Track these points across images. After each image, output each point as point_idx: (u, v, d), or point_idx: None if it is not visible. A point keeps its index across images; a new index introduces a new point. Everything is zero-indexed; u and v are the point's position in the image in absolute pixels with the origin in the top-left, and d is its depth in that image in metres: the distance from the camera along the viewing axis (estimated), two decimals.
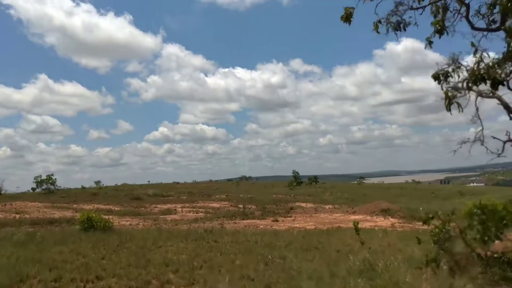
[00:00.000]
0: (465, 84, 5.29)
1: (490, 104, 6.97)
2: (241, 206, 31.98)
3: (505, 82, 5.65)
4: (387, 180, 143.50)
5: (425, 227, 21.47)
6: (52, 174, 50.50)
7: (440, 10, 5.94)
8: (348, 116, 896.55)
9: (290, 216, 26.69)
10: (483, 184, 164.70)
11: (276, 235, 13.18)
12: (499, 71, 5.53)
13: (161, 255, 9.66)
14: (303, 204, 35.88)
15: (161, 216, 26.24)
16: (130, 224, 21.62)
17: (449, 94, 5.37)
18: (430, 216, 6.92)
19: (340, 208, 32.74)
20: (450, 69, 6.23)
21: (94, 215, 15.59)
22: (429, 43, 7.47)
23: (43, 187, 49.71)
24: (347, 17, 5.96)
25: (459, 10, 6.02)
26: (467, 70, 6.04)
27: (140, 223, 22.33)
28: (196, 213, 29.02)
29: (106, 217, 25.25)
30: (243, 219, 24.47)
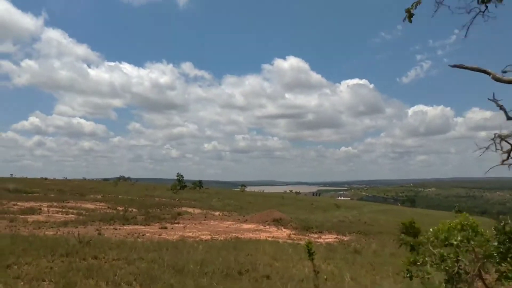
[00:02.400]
0: None
1: None
2: (120, 208, 28.18)
3: None
4: (266, 189, 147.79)
5: (320, 240, 20.29)
6: None
7: None
8: (234, 125, 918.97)
9: (178, 223, 23.98)
10: (349, 198, 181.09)
11: (175, 248, 10.44)
12: None
13: (8, 284, 6.25)
14: (190, 210, 33.33)
15: (20, 216, 21.26)
16: None
17: None
18: (430, 239, 4.98)
19: (230, 216, 30.98)
20: None
21: None
22: (409, 16, 5.76)
23: None
24: None
25: None
26: None
27: None
28: (66, 214, 24.45)
29: None
30: (123, 225, 21.05)
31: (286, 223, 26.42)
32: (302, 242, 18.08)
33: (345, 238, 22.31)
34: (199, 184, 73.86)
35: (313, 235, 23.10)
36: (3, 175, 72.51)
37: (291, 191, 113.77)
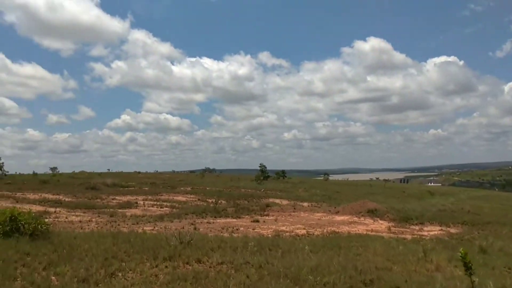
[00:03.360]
0: None
1: None
2: (210, 200, 28.43)
3: None
4: (350, 177, 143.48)
5: (424, 233, 18.30)
6: None
7: None
8: (314, 112, 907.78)
9: (268, 215, 23.47)
10: (440, 184, 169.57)
11: (276, 246, 9.64)
12: None
13: None
14: (278, 201, 32.79)
15: (119, 210, 22.28)
16: (80, 221, 17.64)
17: None
18: None
19: (319, 207, 29.86)
20: None
21: (23, 212, 10.92)
22: None
23: None
24: None
25: None
26: None
27: (93, 220, 18.42)
28: (161, 207, 25.24)
29: (53, 209, 21.09)
30: (215, 217, 21.02)
31: (382, 214, 24.70)
32: (408, 237, 16.49)
33: (452, 231, 20.13)
34: (282, 174, 73.39)
35: (413, 227, 21.21)
36: (101, 170, 78.61)
37: (377, 178, 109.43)
